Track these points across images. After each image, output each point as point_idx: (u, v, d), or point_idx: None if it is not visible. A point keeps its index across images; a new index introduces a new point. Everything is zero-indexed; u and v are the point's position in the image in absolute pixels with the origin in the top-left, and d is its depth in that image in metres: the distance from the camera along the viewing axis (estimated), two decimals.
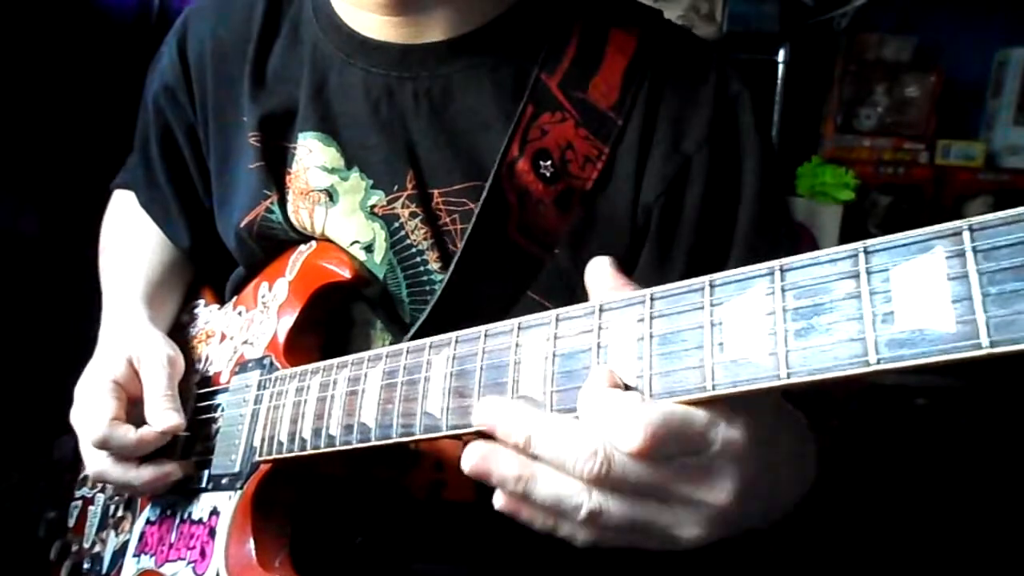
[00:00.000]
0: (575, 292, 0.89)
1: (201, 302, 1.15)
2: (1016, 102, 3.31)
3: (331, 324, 0.97)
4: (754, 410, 0.56)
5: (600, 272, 0.63)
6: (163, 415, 0.93)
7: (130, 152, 1.22)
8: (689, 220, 0.89)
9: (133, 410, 0.96)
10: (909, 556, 2.37)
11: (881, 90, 3.30)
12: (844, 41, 3.30)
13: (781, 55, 2.98)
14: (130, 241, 1.16)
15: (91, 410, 0.93)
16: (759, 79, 2.91)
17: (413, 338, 0.88)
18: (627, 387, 0.55)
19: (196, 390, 1.03)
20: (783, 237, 0.91)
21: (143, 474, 0.94)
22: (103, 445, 0.92)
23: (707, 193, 0.89)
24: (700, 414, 0.53)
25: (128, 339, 1.01)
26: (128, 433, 0.91)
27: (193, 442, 0.99)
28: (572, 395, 0.57)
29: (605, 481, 0.54)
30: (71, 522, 1.17)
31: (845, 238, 3.04)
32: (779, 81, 2.99)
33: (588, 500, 0.56)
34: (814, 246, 2.67)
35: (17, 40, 1.89)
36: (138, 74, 1.17)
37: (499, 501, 0.59)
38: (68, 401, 1.00)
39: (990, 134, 3.39)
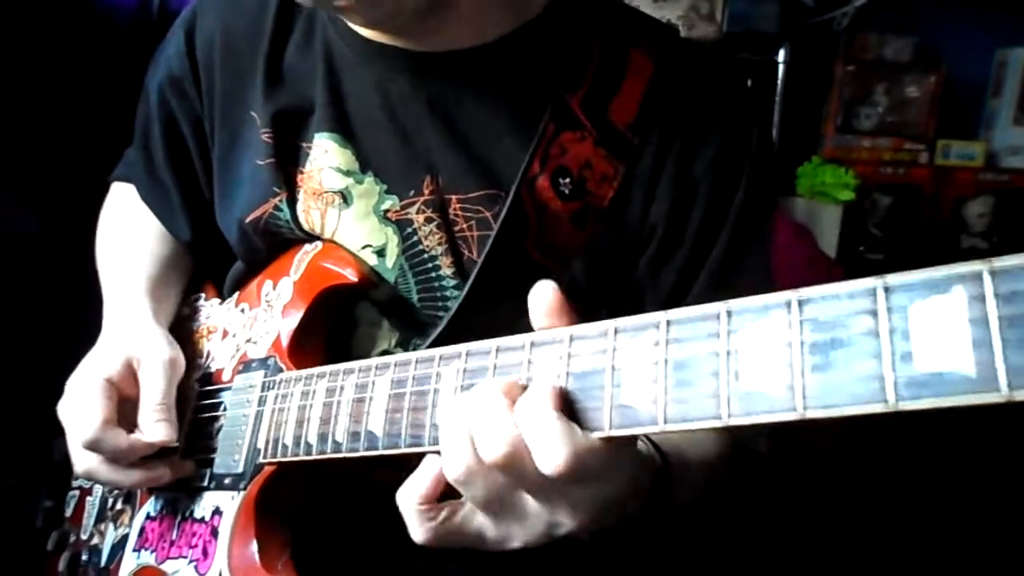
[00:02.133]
0: (591, 305, 0.90)
1: (202, 296, 1.15)
2: (1016, 102, 3.32)
3: (334, 325, 0.97)
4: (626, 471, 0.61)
5: (543, 298, 0.63)
6: (155, 427, 0.93)
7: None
8: (686, 243, 0.91)
9: (125, 409, 0.95)
10: (909, 557, 2.38)
11: (881, 90, 3.30)
12: (844, 41, 3.30)
13: (781, 55, 2.98)
14: (129, 235, 1.15)
15: (82, 409, 0.93)
16: (759, 79, 2.92)
17: (432, 345, 0.89)
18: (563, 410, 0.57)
19: (198, 387, 1.03)
20: (754, 271, 0.93)
21: (132, 476, 0.94)
22: (94, 447, 0.91)
23: (705, 218, 0.90)
24: (616, 451, 0.57)
25: (130, 337, 1.00)
26: (119, 437, 0.91)
27: (195, 439, 0.99)
28: (586, 415, 0.57)
29: (500, 467, 0.57)
30: (68, 512, 1.17)
31: (845, 238, 3.06)
32: (779, 81, 2.99)
33: (474, 474, 0.60)
34: (814, 246, 2.67)
35: (17, 40, 1.88)
36: (139, 74, 1.17)
37: None
38: None
39: (990, 134, 3.40)
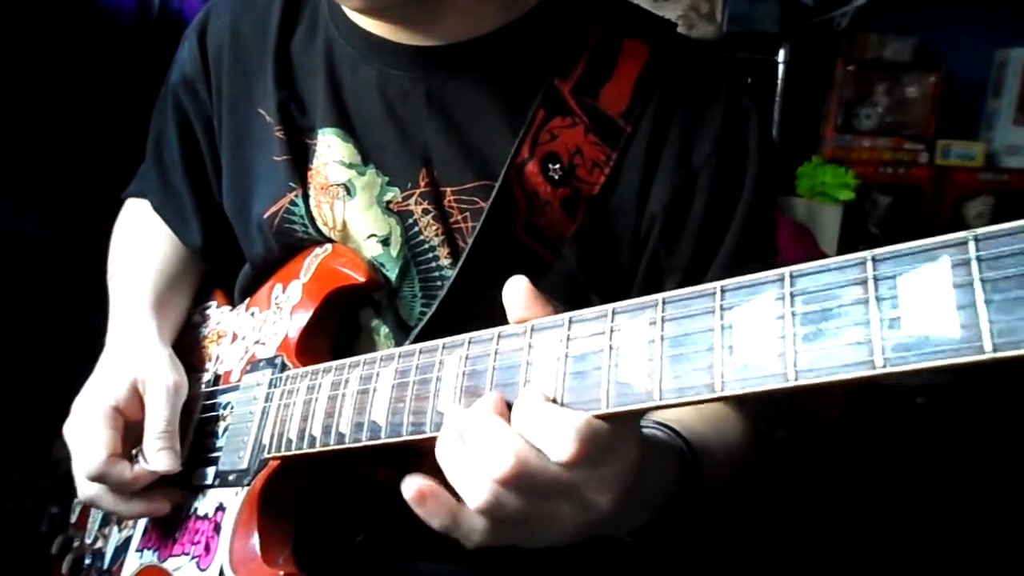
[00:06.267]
0: (582, 292, 0.91)
1: (213, 303, 1.16)
2: (1016, 102, 3.33)
3: (340, 328, 0.98)
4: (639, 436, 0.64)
5: (516, 291, 0.65)
6: (158, 455, 0.93)
7: (131, 151, 1.22)
8: (690, 232, 0.92)
9: (131, 433, 0.96)
10: (909, 555, 2.38)
11: (881, 90, 3.31)
12: (844, 41, 3.31)
13: (781, 55, 2.99)
14: (138, 251, 1.16)
15: (88, 439, 0.93)
16: (759, 79, 2.92)
17: (421, 332, 0.90)
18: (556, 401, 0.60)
19: (205, 388, 1.04)
20: (763, 255, 0.95)
21: (134, 507, 0.95)
22: (98, 480, 0.92)
23: (709, 206, 0.91)
24: (618, 428, 0.59)
25: (134, 359, 1.00)
26: (124, 471, 0.92)
27: (201, 439, 1.00)
28: (584, 394, 0.58)
29: (510, 481, 0.58)
30: (73, 517, 1.18)
31: (845, 238, 3.06)
32: (779, 81, 3.00)
33: (487, 494, 0.60)
34: (814, 246, 2.68)
35: (17, 41, 1.88)
36: (138, 74, 1.17)
37: (409, 490, 0.64)
38: (69, 401, 1.00)
39: (990, 134, 3.41)
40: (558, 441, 0.57)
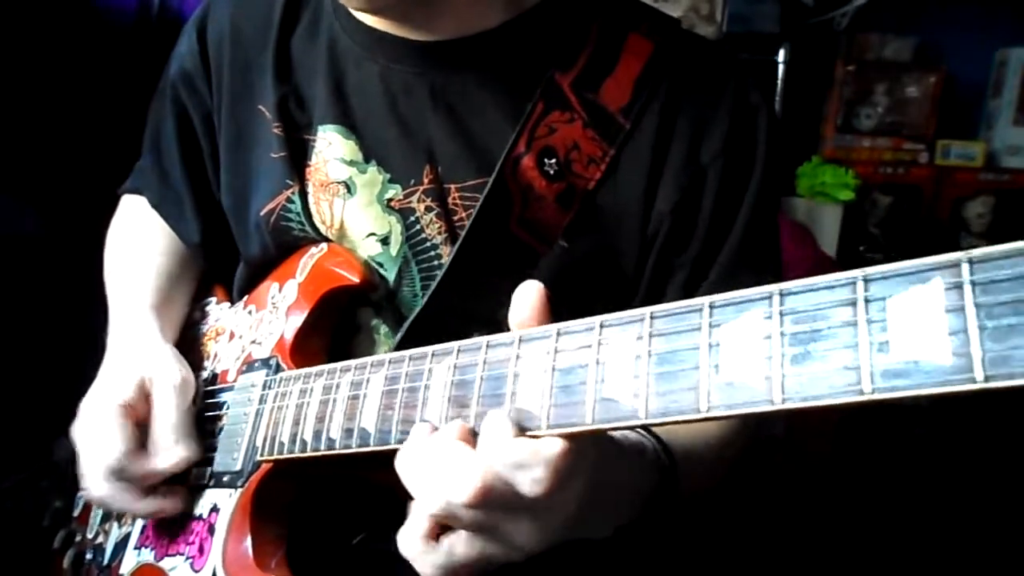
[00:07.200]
0: (572, 284, 0.90)
1: (213, 300, 1.15)
2: (1016, 102, 3.32)
3: (336, 329, 0.98)
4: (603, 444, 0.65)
5: (528, 296, 0.64)
6: (171, 451, 0.93)
7: (131, 150, 1.20)
8: (700, 230, 0.91)
9: (139, 432, 0.95)
10: (909, 556, 2.38)
11: (881, 90, 3.31)
12: (844, 41, 3.31)
13: (781, 55, 2.99)
14: (137, 249, 1.15)
15: (103, 437, 0.92)
16: (759, 79, 2.92)
17: (413, 324, 0.90)
18: (522, 429, 0.60)
19: (203, 387, 1.04)
20: (766, 252, 0.95)
21: (150, 505, 0.94)
22: (117, 475, 0.91)
23: (716, 204, 0.91)
24: (584, 447, 0.59)
25: (139, 358, 1.00)
26: (144, 464, 0.91)
27: (198, 438, 0.99)
28: (569, 409, 0.57)
29: (481, 503, 0.59)
30: (76, 512, 1.18)
31: (845, 238, 3.06)
32: (779, 81, 3.00)
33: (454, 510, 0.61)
34: (814, 246, 2.68)
35: (16, 40, 1.88)
36: (138, 74, 1.16)
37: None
38: (69, 401, 0.99)
39: (990, 134, 3.40)
40: (533, 477, 0.58)
